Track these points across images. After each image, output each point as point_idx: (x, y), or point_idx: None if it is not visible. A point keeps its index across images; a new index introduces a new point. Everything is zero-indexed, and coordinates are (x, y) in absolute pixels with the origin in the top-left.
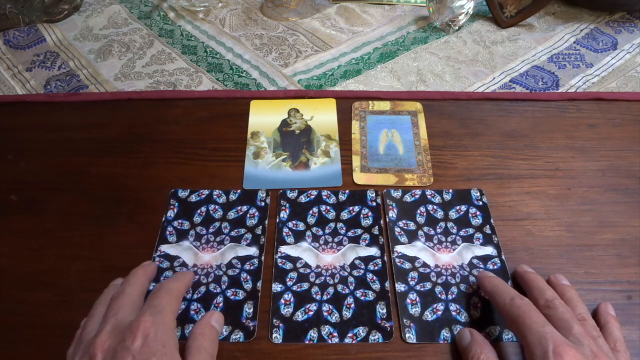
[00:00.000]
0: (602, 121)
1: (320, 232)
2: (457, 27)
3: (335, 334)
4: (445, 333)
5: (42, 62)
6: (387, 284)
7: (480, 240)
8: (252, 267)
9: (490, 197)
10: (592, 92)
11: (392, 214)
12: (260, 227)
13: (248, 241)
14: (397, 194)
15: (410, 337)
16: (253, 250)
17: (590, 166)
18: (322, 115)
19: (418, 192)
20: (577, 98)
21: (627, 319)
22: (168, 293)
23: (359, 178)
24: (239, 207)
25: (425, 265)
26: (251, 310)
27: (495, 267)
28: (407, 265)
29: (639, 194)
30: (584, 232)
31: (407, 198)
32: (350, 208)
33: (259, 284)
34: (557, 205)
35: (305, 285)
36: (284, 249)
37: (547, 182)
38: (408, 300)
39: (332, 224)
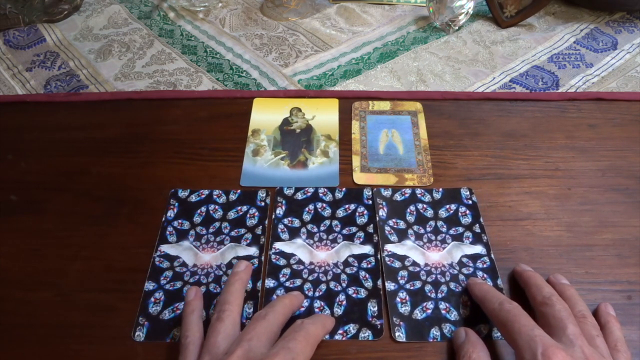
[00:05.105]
0: (602, 121)
1: (315, 229)
2: (457, 27)
3: None
4: (435, 332)
5: (42, 62)
6: (379, 282)
7: (470, 239)
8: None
9: (491, 197)
10: (592, 92)
11: (382, 212)
12: (260, 227)
13: (248, 241)
14: (387, 192)
15: (400, 335)
16: (253, 250)
17: (590, 166)
18: (324, 115)
19: (408, 190)
20: (577, 98)
21: (627, 319)
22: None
23: (359, 178)
24: (239, 207)
25: (415, 264)
26: (251, 310)
27: (485, 265)
28: (397, 264)
29: (639, 194)
30: (584, 232)
31: (397, 197)
32: (347, 206)
33: (259, 284)
34: (557, 205)
35: (298, 282)
36: (278, 245)
37: (547, 182)
38: (398, 299)
39: (327, 222)
